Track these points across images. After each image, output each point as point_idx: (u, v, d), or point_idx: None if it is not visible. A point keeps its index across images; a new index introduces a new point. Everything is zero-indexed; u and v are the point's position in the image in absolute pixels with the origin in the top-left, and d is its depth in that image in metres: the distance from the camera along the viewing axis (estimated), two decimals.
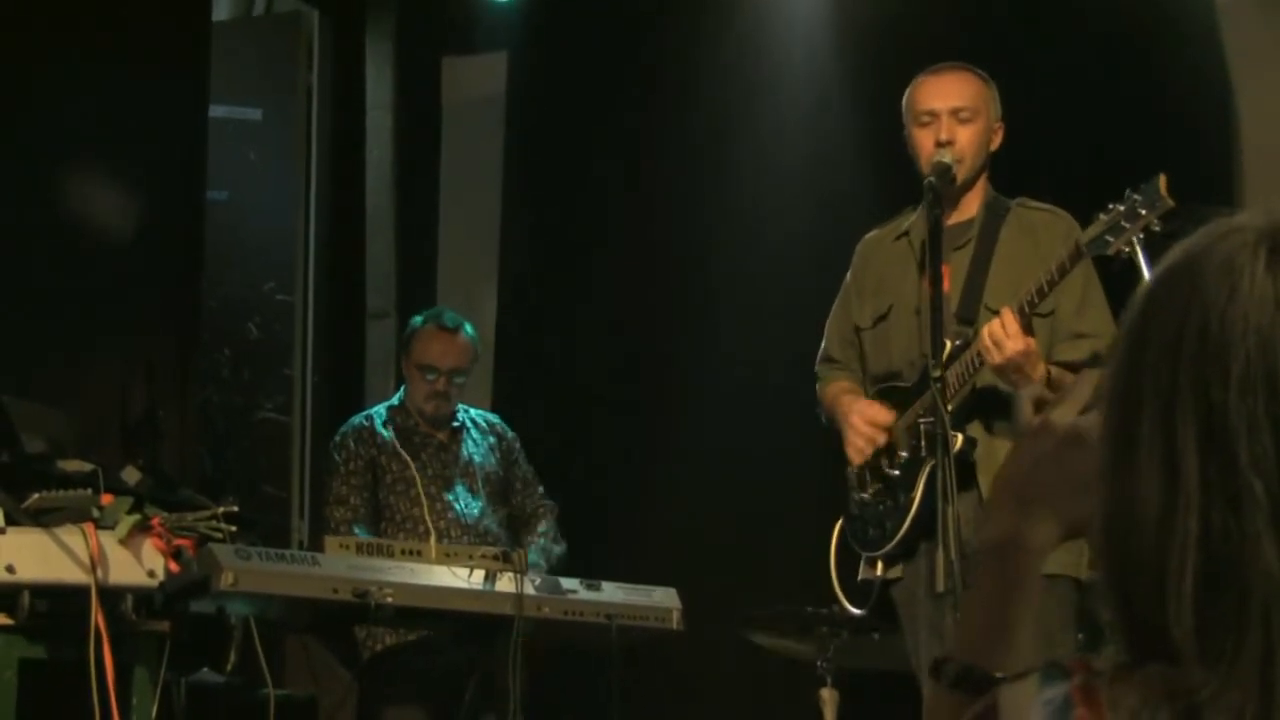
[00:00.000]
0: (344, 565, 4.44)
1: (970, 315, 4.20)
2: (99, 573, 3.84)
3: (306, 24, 7.46)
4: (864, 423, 4.32)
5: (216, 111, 6.66)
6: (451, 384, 5.79)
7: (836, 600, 4.48)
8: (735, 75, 7.18)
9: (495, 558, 4.73)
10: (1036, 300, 3.96)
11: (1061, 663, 1.25)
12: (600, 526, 6.80)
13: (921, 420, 4.17)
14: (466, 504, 5.68)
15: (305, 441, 7.09)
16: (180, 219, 6.22)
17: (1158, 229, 3.68)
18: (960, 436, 4.08)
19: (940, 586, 3.81)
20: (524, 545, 5.54)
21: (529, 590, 4.66)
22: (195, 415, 6.35)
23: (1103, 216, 3.79)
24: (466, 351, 5.86)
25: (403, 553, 4.69)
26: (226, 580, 4.05)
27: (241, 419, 7.09)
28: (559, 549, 5.71)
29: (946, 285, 4.24)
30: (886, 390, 4.37)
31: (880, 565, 4.32)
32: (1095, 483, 1.26)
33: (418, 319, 6.00)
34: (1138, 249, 3.71)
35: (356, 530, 5.47)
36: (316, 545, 5.37)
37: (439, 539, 5.42)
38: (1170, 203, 3.66)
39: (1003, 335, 3.93)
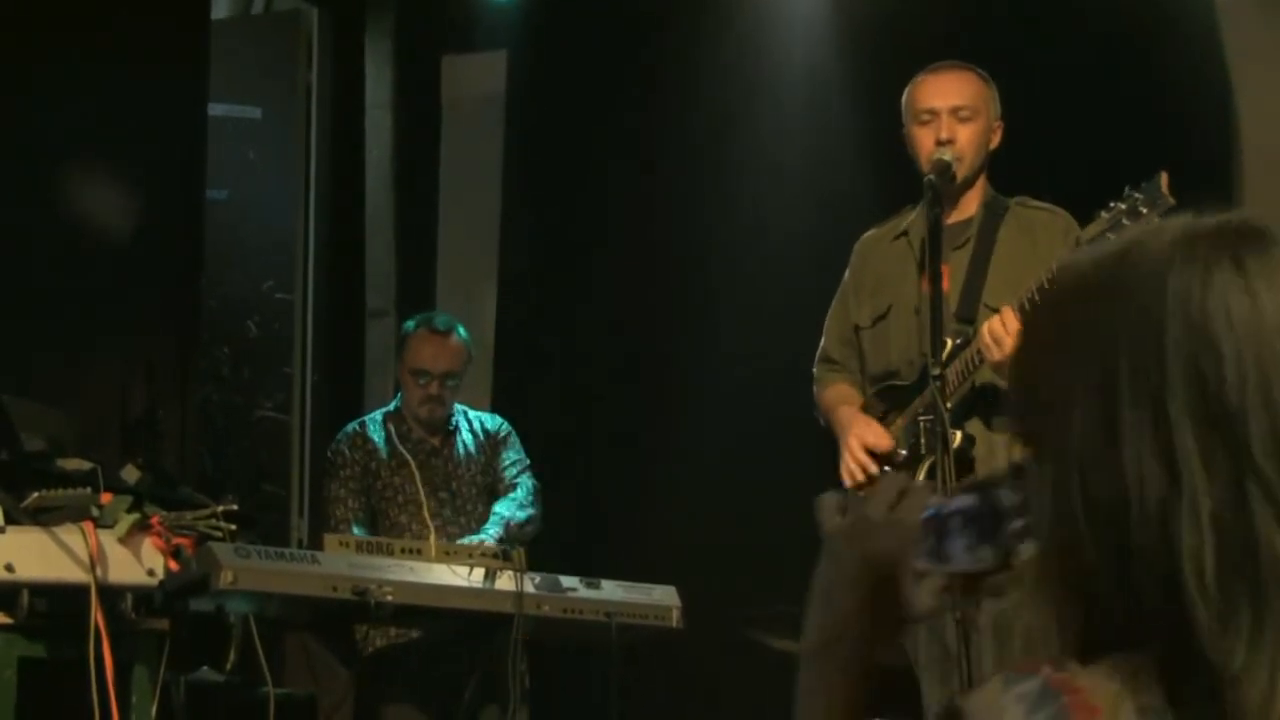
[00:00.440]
0: (344, 563, 4.44)
1: (970, 314, 4.19)
2: (98, 571, 3.83)
3: (306, 22, 7.46)
4: (860, 448, 4.32)
5: (216, 110, 6.66)
6: (445, 387, 5.77)
7: None
8: (735, 75, 7.18)
9: (495, 556, 4.73)
10: (1037, 298, 3.95)
11: (1016, 666, 1.26)
12: (600, 525, 6.80)
13: (921, 418, 4.17)
14: (459, 509, 5.67)
15: (305, 440, 7.09)
16: (180, 218, 6.23)
17: None
18: (959, 434, 4.08)
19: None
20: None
21: (529, 588, 4.66)
22: (195, 414, 6.35)
23: (1104, 214, 3.79)
24: (459, 354, 5.84)
25: (402, 551, 4.69)
26: (226, 579, 4.05)
27: (241, 417, 7.09)
28: (529, 512, 5.64)
29: (946, 284, 4.24)
30: (885, 389, 4.37)
31: None
32: (1063, 484, 1.26)
33: (409, 323, 5.97)
34: None
35: (355, 531, 5.46)
36: (316, 543, 5.37)
37: None
38: (1171, 201, 3.66)
39: (1003, 332, 3.93)
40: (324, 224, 7.30)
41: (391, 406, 5.89)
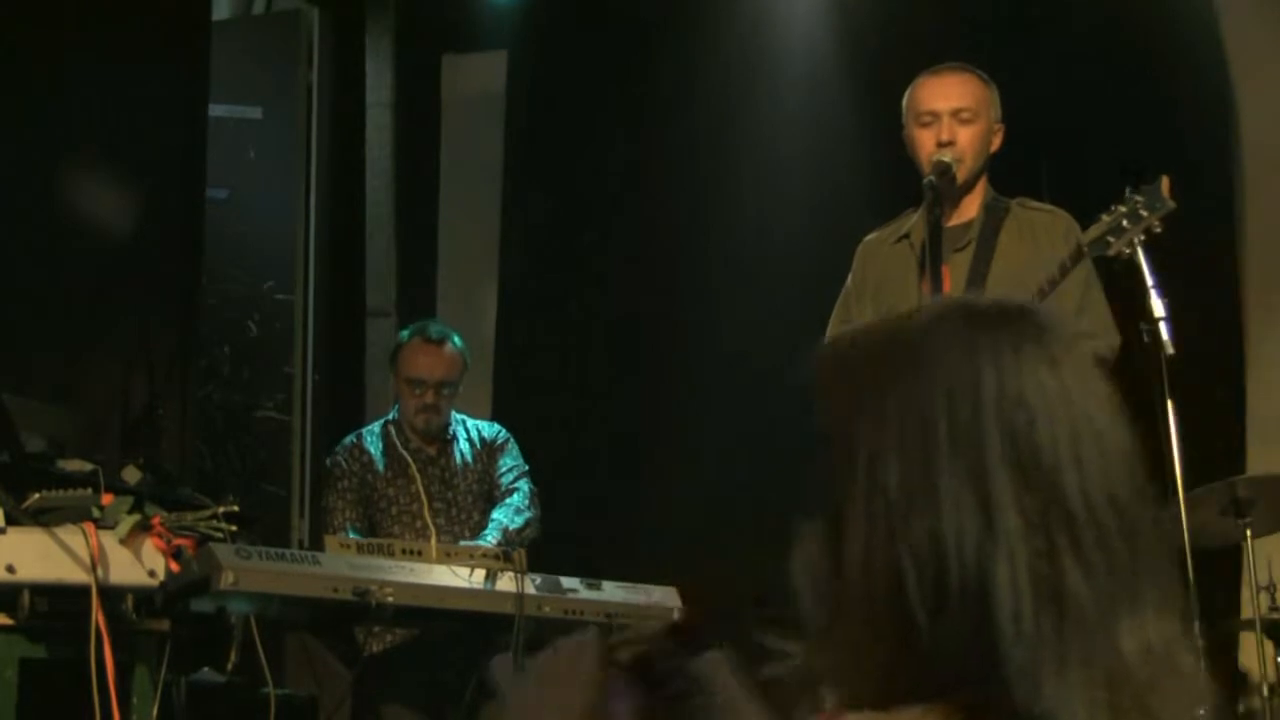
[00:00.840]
0: (344, 564, 4.44)
1: None
2: (99, 572, 3.83)
3: (306, 22, 7.46)
4: None
5: (216, 110, 6.66)
6: (440, 396, 5.75)
7: None
8: (735, 75, 7.18)
9: (495, 557, 4.73)
10: (1038, 300, 3.95)
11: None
12: (600, 526, 6.80)
13: None
14: (455, 518, 5.66)
15: (305, 440, 7.09)
16: (180, 217, 6.22)
17: (1159, 230, 3.68)
18: None
19: None
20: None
21: (529, 589, 4.66)
22: (195, 414, 6.34)
23: (1105, 217, 3.78)
24: (454, 363, 5.82)
25: (403, 552, 4.69)
26: (227, 580, 4.05)
27: (241, 417, 7.09)
28: (526, 516, 5.64)
29: (947, 286, 4.23)
30: None
31: None
32: (876, 535, 1.33)
33: (404, 333, 5.95)
34: (1139, 250, 3.70)
35: (353, 535, 5.46)
36: (317, 544, 5.37)
37: None
38: (1172, 204, 3.66)
39: None
40: (324, 223, 7.29)
41: (391, 415, 5.88)
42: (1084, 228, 3.99)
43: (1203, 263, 6.20)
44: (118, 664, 3.80)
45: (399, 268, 7.44)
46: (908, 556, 1.30)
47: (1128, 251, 3.72)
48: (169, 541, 4.03)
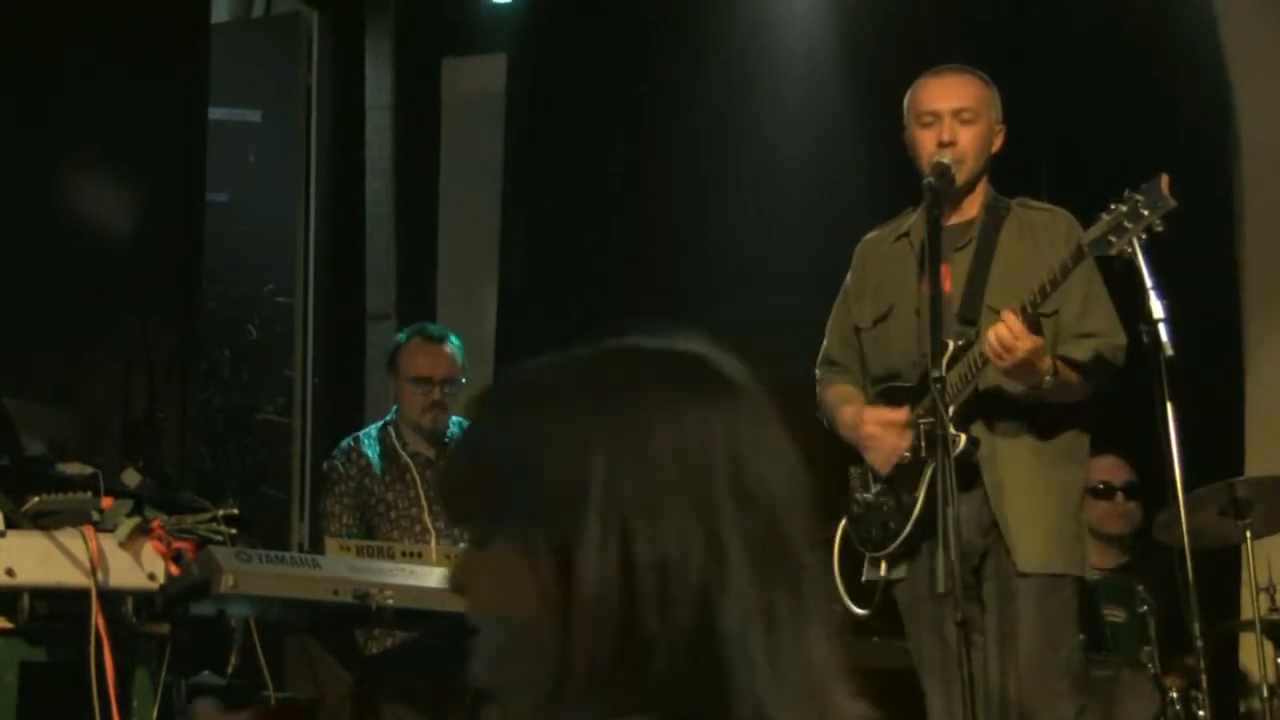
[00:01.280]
0: (344, 567, 4.44)
1: (972, 315, 4.18)
2: (99, 575, 3.83)
3: (306, 25, 7.46)
4: (881, 427, 4.29)
5: (216, 113, 6.66)
6: (445, 394, 5.75)
7: (839, 601, 4.47)
8: (734, 76, 7.18)
9: None
10: (1040, 300, 3.95)
11: None
12: None
13: (921, 421, 4.16)
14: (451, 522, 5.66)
15: (305, 442, 7.09)
16: (180, 220, 6.22)
17: (1160, 229, 3.68)
18: (963, 437, 4.07)
19: (940, 588, 3.80)
20: None
21: None
22: (195, 416, 6.34)
23: (1105, 216, 3.78)
24: (455, 361, 5.82)
25: (403, 554, 4.69)
26: (226, 583, 4.04)
27: (241, 420, 7.09)
28: None
29: (948, 285, 4.23)
30: (888, 391, 4.36)
31: (884, 565, 4.31)
32: (592, 563, 1.38)
33: (401, 335, 5.94)
34: (1137, 250, 3.70)
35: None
36: (317, 547, 5.37)
37: None
38: (1172, 202, 3.65)
39: (1010, 339, 3.91)
40: (324, 226, 7.30)
41: (388, 418, 5.86)
42: (1085, 227, 3.98)
43: (1202, 264, 6.20)
44: (117, 667, 3.80)
45: (399, 270, 7.44)
46: (643, 581, 1.36)
47: (1129, 250, 3.72)
48: (169, 544, 4.02)
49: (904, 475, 4.24)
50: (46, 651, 3.89)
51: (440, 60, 7.88)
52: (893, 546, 4.25)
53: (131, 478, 4.19)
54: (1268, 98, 6.61)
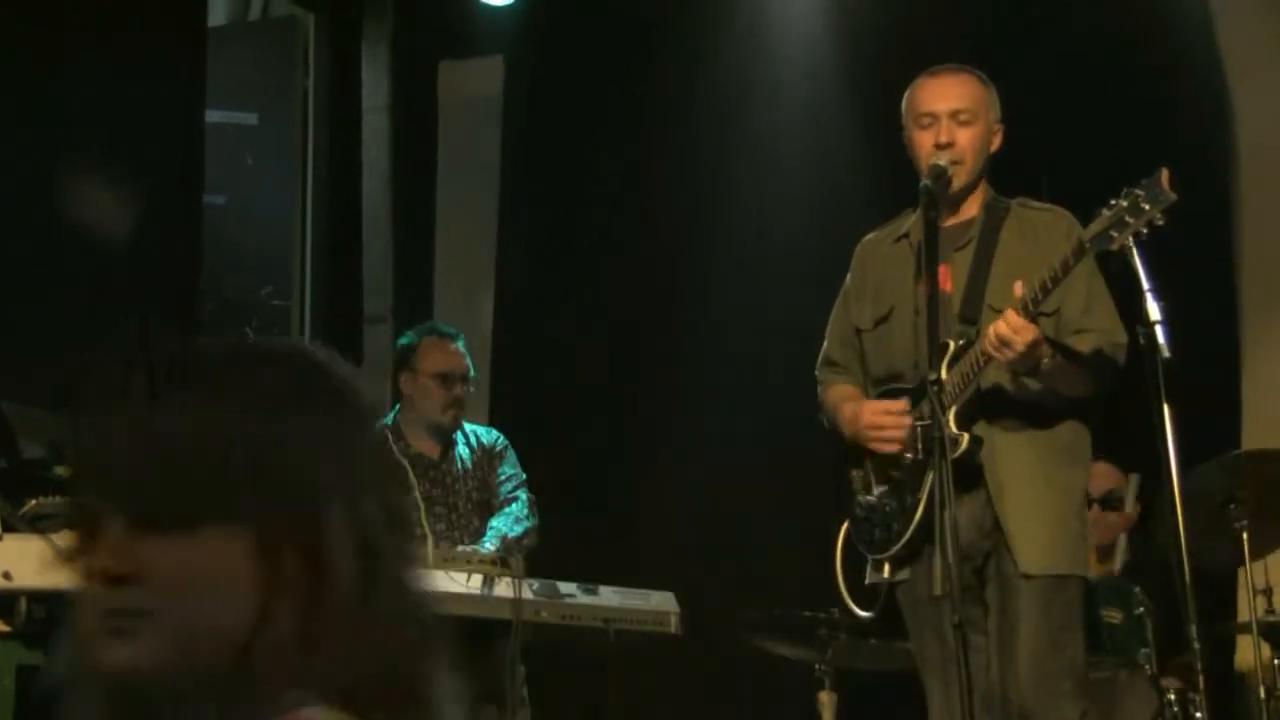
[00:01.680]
0: None
1: (973, 315, 4.18)
2: None
3: (303, 28, 7.47)
4: (880, 414, 4.28)
5: (213, 116, 6.66)
6: (465, 390, 5.76)
7: (841, 603, 4.47)
8: (733, 76, 7.19)
9: (493, 563, 4.72)
10: (1040, 297, 3.94)
11: None
12: (598, 531, 6.80)
13: (919, 423, 4.16)
14: (455, 524, 5.65)
15: None
16: (178, 223, 6.22)
17: (1161, 223, 3.67)
18: (966, 436, 4.06)
19: (937, 590, 3.80)
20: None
21: (527, 594, 4.66)
22: None
23: (1105, 212, 3.77)
24: (467, 359, 5.84)
25: None
26: None
27: None
28: (525, 525, 5.62)
29: (949, 286, 4.23)
30: (888, 391, 4.36)
31: (888, 568, 4.30)
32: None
33: (411, 336, 5.90)
34: (1134, 252, 3.69)
35: None
36: None
37: None
38: (1173, 196, 3.64)
39: (1009, 333, 3.91)
40: (321, 229, 7.30)
41: (388, 421, 5.85)
42: (1085, 227, 3.97)
43: (1200, 265, 6.21)
44: None
45: (396, 273, 7.44)
46: (360, 566, 1.46)
47: (1130, 245, 3.71)
48: None
49: (906, 477, 4.24)
50: (43, 655, 3.90)
51: (437, 62, 7.88)
52: (895, 549, 4.25)
53: None
54: (1265, 99, 6.61)
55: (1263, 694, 5.55)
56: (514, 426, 6.11)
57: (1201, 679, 3.92)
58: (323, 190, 7.35)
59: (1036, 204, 4.38)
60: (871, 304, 4.45)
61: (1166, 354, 3.61)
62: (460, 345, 5.82)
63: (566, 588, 4.80)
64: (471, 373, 5.82)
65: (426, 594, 1.61)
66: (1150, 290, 3.65)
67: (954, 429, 4.03)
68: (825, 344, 4.62)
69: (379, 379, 7.16)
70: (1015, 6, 6.75)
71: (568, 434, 7.19)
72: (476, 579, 4.63)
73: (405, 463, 5.69)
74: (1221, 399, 6.46)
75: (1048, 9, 6.71)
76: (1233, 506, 5.30)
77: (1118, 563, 6.24)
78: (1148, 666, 5.64)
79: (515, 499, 5.69)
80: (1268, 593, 5.61)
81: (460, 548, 5.35)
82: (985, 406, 4.16)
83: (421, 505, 5.62)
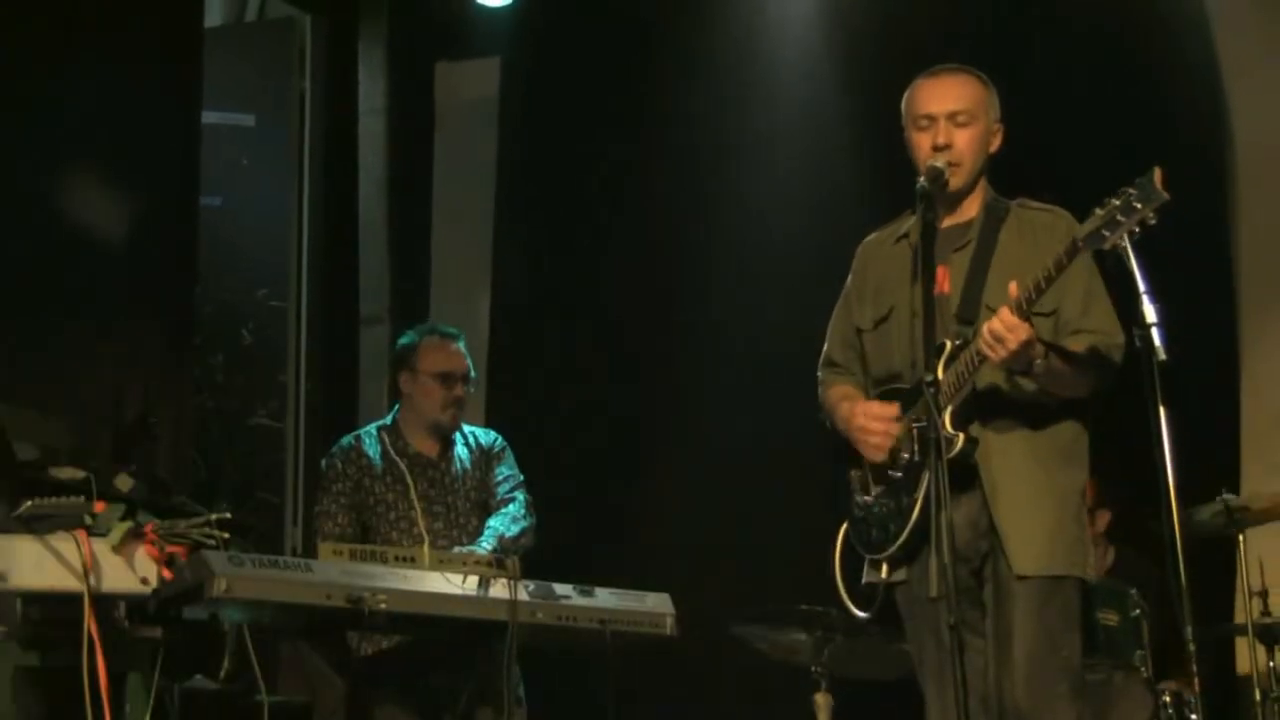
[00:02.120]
0: (337, 571, 4.43)
1: (971, 315, 4.18)
2: (92, 580, 3.83)
3: (299, 29, 7.46)
4: (872, 419, 4.30)
5: (209, 117, 6.66)
6: (465, 390, 5.76)
7: (839, 603, 4.47)
8: (729, 77, 7.19)
9: (489, 564, 4.72)
10: (1035, 296, 3.94)
11: None
12: (595, 532, 6.80)
13: (915, 425, 4.16)
14: (453, 523, 5.65)
15: (299, 447, 7.09)
16: (174, 224, 6.22)
17: (1154, 222, 3.67)
18: (961, 437, 4.06)
19: (933, 591, 3.80)
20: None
21: (523, 596, 4.65)
22: (189, 421, 6.34)
23: (1099, 211, 3.77)
24: (468, 360, 5.84)
25: (396, 559, 4.68)
26: (219, 587, 4.05)
27: (235, 425, 7.09)
28: (522, 525, 5.62)
29: (947, 286, 4.23)
30: (887, 392, 4.36)
31: (885, 568, 4.31)
32: None
33: (411, 335, 5.90)
34: (1129, 249, 3.69)
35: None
36: (310, 551, 5.36)
37: None
38: (1165, 196, 3.64)
39: (1003, 330, 3.91)
40: (318, 231, 7.30)
41: (388, 420, 5.85)
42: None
43: (1197, 265, 6.21)
44: (111, 671, 3.80)
45: (392, 274, 7.44)
46: None
47: (1123, 244, 3.71)
48: (162, 549, 4.03)
49: (903, 478, 4.24)
50: (40, 656, 3.90)
51: (434, 64, 7.88)
52: (892, 549, 4.25)
53: (124, 482, 4.20)
54: (1261, 98, 6.62)
55: (1258, 696, 5.56)
56: (510, 427, 6.11)
57: (1197, 681, 3.92)
58: (319, 192, 7.34)
59: (1036, 204, 4.38)
60: (872, 305, 4.46)
61: (1162, 356, 3.61)
62: (461, 346, 5.82)
63: (562, 589, 4.79)
64: (472, 373, 5.82)
65: None
66: (1146, 292, 3.65)
67: (949, 429, 4.03)
68: (826, 345, 4.62)
69: (375, 382, 7.18)
70: (1013, 7, 6.75)
71: (564, 435, 7.19)
72: (472, 580, 4.63)
73: (403, 462, 5.69)
74: (1219, 400, 6.46)
75: (1045, 9, 6.72)
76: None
77: (1104, 565, 6.23)
78: (1143, 669, 5.65)
79: (513, 499, 5.69)
80: (1264, 595, 5.62)
81: (457, 548, 5.35)
82: (981, 407, 4.16)
83: (419, 505, 5.62)
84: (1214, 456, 6.23)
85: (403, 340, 5.91)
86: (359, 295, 7.41)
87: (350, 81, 7.49)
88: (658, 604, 4.91)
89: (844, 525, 4.45)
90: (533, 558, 5.28)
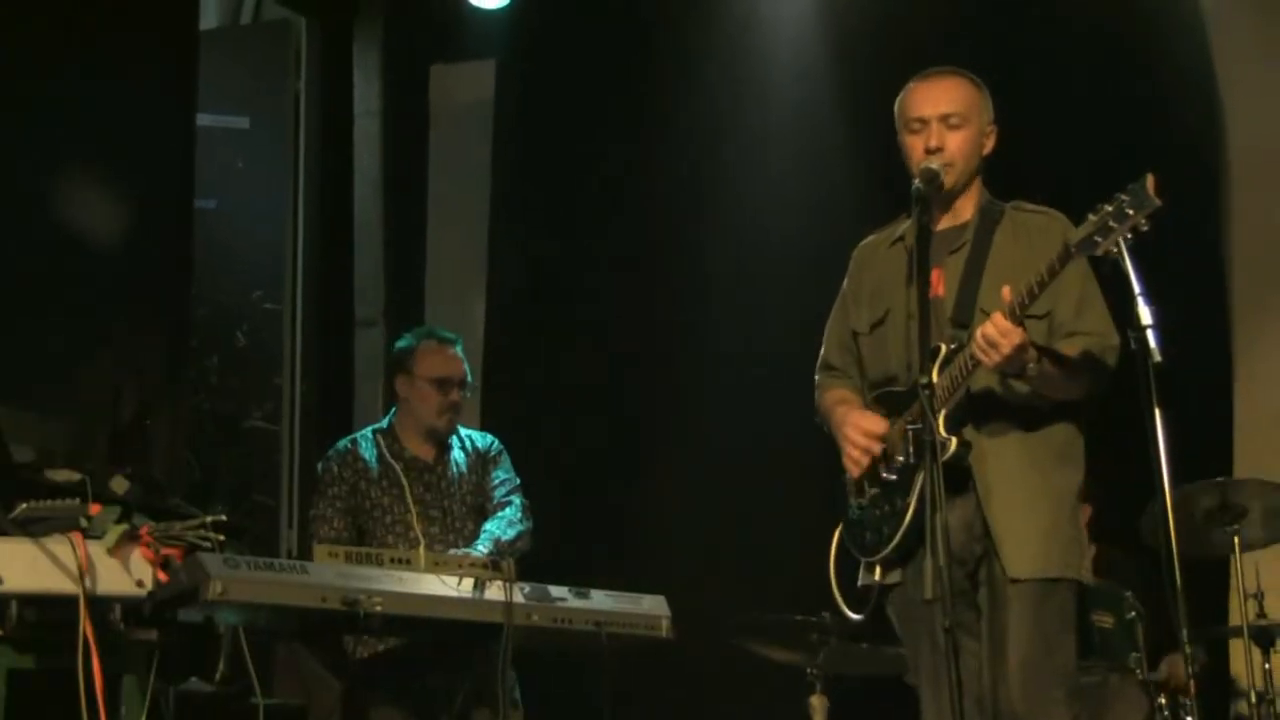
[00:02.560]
0: (333, 574, 4.43)
1: (965, 319, 4.19)
2: (87, 582, 3.83)
3: (294, 32, 7.46)
4: (859, 434, 4.31)
5: (204, 120, 6.65)
6: (461, 395, 5.77)
7: (833, 606, 4.47)
8: (724, 79, 7.20)
9: (484, 566, 4.72)
10: (1028, 301, 3.95)
11: None
12: (590, 534, 6.80)
13: (910, 427, 4.17)
14: (449, 527, 5.65)
15: (294, 450, 7.08)
16: (169, 227, 6.21)
17: (1145, 229, 3.68)
18: (954, 440, 4.07)
19: (928, 594, 3.80)
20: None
21: (518, 598, 4.65)
22: (184, 423, 6.33)
23: (1091, 217, 3.78)
24: (465, 364, 5.84)
25: (391, 561, 4.68)
26: (215, 590, 4.04)
27: (230, 427, 7.08)
28: (519, 529, 5.62)
29: (941, 289, 4.23)
30: (883, 395, 4.37)
31: (879, 571, 4.31)
32: None
33: (408, 339, 5.91)
34: (1124, 251, 3.70)
35: None
36: (305, 554, 5.36)
37: None
38: (1157, 202, 3.66)
39: (996, 335, 3.92)
40: (313, 233, 7.29)
41: (384, 424, 5.85)
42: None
43: (1191, 267, 6.22)
44: (106, 674, 3.79)
45: (387, 277, 7.44)
46: None
47: (1115, 250, 3.72)
48: (157, 551, 4.02)
49: (897, 481, 4.25)
50: (35, 659, 3.90)
51: (429, 66, 7.88)
52: (886, 551, 4.26)
53: (120, 484, 4.20)
54: (1255, 99, 6.63)
55: (1254, 698, 5.57)
56: (506, 429, 6.12)
57: (1192, 683, 3.93)
58: (314, 194, 7.34)
59: (1031, 207, 4.38)
60: (868, 307, 4.46)
61: (1158, 358, 3.62)
62: (458, 350, 5.83)
63: (558, 591, 4.80)
64: (469, 378, 5.82)
65: None
66: (1141, 294, 3.66)
67: (943, 433, 4.03)
68: (823, 348, 4.63)
69: (370, 384, 7.18)
70: (1009, 7, 6.75)
71: (559, 437, 7.19)
72: (468, 582, 4.63)
73: (399, 466, 5.69)
74: (1213, 402, 6.47)
75: (1041, 10, 6.72)
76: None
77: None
78: (1138, 671, 5.65)
79: (509, 503, 5.69)
80: (1259, 597, 5.63)
81: (452, 551, 5.36)
82: (975, 410, 4.17)
83: (414, 509, 5.63)
84: (1209, 458, 6.23)
85: (400, 344, 5.91)
86: (354, 297, 7.40)
87: (345, 84, 7.48)
88: (653, 606, 4.91)
89: (839, 528, 4.46)
90: (530, 560, 5.29)
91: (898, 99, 4.41)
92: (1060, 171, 5.89)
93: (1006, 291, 3.97)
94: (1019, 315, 3.96)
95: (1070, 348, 4.14)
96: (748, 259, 7.01)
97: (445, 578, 4.62)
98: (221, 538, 4.19)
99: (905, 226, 4.39)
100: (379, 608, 4.39)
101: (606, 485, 7.17)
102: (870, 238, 4.59)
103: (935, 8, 6.63)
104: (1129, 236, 3.69)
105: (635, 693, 5.08)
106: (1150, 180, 3.67)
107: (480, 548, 5.41)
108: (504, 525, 5.58)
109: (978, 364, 4.03)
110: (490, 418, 7.02)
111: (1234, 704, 6.18)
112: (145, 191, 6.01)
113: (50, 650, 3.87)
